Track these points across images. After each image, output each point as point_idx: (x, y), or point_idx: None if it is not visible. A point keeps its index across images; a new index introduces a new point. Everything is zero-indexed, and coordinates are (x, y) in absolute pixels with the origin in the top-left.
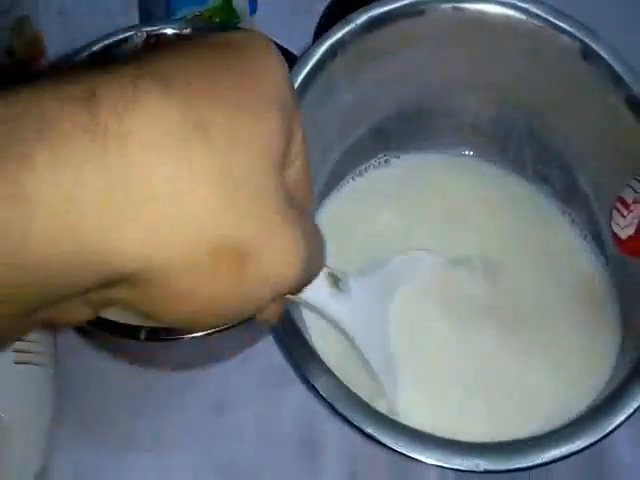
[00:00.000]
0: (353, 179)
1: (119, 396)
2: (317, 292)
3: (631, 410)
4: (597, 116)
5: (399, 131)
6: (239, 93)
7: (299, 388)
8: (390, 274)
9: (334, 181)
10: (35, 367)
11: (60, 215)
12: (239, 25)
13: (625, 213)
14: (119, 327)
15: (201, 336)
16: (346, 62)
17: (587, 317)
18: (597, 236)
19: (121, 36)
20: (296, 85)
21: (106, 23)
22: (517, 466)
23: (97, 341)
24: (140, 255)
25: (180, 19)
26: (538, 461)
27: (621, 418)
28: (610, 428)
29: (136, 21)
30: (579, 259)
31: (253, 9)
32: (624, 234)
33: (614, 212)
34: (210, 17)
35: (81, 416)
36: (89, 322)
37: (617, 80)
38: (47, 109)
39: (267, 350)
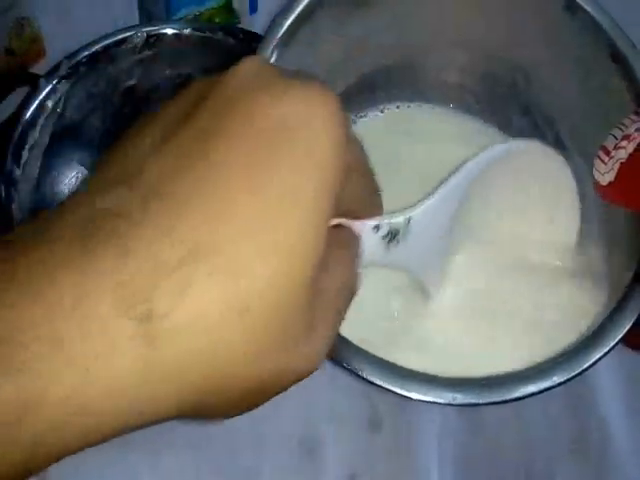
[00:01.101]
0: None
1: None
2: (373, 254)
3: (606, 349)
4: (580, 69)
5: (385, 84)
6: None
7: (299, 388)
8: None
9: None
10: None
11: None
12: (239, 25)
13: (606, 160)
14: None
15: None
16: (332, 13)
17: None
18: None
19: (120, 36)
20: (280, 35)
21: (106, 23)
22: (492, 400)
23: None
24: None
25: (180, 19)
26: (515, 395)
27: (597, 356)
28: (586, 365)
29: (136, 21)
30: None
31: (253, 9)
32: (605, 180)
33: (596, 160)
34: (210, 17)
35: None
36: None
37: (599, 32)
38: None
39: None
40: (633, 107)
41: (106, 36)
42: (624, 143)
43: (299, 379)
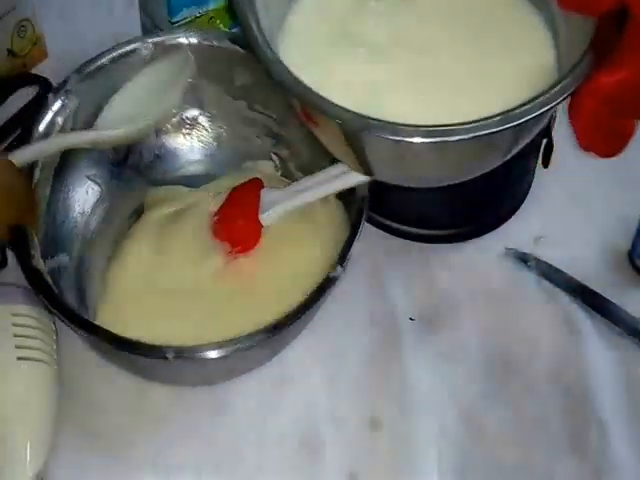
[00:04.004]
0: None
1: (119, 396)
2: None
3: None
4: None
5: None
6: None
7: (299, 388)
8: None
9: None
10: (38, 363)
11: None
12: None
13: None
14: (145, 348)
15: (226, 355)
16: None
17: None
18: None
19: (128, 48)
20: None
21: (107, 23)
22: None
23: (121, 362)
24: None
25: (184, 24)
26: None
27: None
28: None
29: (137, 22)
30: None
31: None
32: None
33: None
34: (212, 18)
35: (81, 416)
36: (113, 343)
37: None
38: None
39: None
40: None
41: (113, 48)
42: None
43: None
